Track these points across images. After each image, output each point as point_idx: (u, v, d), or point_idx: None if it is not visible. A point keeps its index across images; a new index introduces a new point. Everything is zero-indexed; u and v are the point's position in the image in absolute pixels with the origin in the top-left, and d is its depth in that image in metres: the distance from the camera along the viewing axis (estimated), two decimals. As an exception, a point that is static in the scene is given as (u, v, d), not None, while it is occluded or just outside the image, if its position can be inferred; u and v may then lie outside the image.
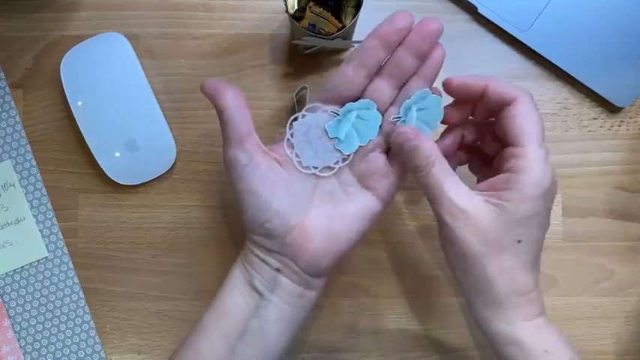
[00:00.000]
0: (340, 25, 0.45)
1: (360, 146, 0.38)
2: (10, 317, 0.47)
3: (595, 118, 0.49)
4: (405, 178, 0.39)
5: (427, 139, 0.35)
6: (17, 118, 0.48)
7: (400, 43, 0.36)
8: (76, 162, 0.48)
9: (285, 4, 0.42)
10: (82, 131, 0.46)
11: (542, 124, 0.35)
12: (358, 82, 0.37)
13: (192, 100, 0.48)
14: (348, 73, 0.37)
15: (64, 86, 0.47)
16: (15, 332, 0.47)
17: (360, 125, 0.38)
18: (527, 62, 0.49)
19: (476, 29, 0.49)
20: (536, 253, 0.35)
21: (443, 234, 0.35)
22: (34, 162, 0.48)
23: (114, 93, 0.47)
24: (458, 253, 0.34)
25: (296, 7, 0.44)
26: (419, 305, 0.48)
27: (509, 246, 0.33)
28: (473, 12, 0.48)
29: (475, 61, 0.49)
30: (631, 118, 0.49)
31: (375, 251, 0.48)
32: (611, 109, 0.48)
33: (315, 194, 0.38)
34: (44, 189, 0.48)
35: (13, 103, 0.48)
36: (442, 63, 0.37)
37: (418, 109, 0.38)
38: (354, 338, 0.48)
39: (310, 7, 0.44)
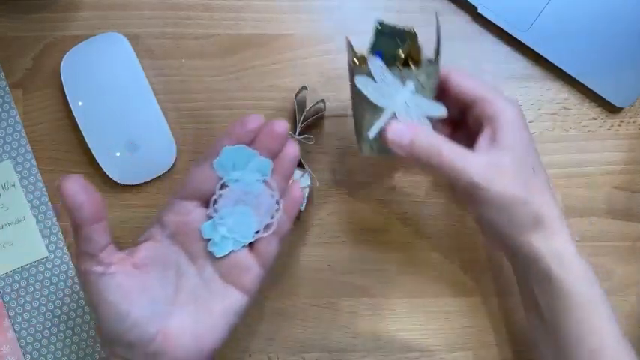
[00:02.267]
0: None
1: (232, 251, 0.38)
2: (10, 317, 0.47)
3: (595, 118, 0.49)
4: (269, 266, 0.39)
5: (419, 129, 0.37)
6: (17, 118, 0.48)
7: (253, 142, 0.38)
8: (76, 162, 0.48)
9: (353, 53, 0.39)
10: (82, 131, 0.46)
11: (479, 79, 0.39)
12: (215, 178, 0.38)
13: (193, 100, 0.48)
14: (205, 171, 0.37)
15: (64, 86, 0.47)
16: (15, 332, 0.47)
17: (237, 228, 0.38)
18: (527, 62, 0.49)
19: (476, 29, 0.49)
20: (549, 178, 0.39)
21: (480, 198, 0.36)
22: (34, 162, 0.48)
23: (114, 93, 0.47)
24: (500, 207, 0.36)
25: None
26: (419, 305, 0.48)
27: (530, 176, 0.37)
28: (473, 12, 0.48)
29: (475, 62, 0.49)
30: (631, 118, 0.49)
31: (375, 251, 0.48)
32: (610, 109, 0.49)
33: (178, 296, 0.37)
34: (44, 189, 0.48)
35: (13, 103, 0.48)
36: (296, 158, 0.39)
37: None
38: (354, 338, 0.48)
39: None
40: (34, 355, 0.47)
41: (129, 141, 0.47)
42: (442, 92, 0.39)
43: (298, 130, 0.46)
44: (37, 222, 0.48)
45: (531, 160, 0.38)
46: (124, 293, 0.34)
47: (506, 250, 0.41)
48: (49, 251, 0.48)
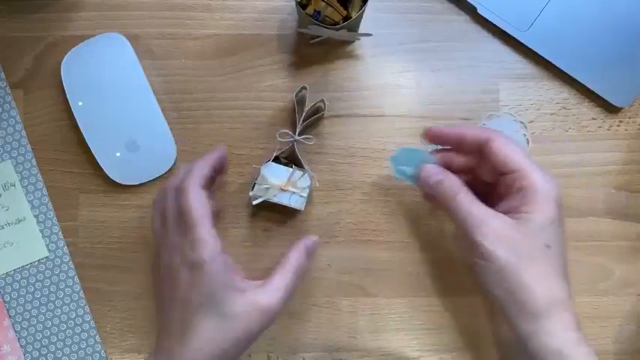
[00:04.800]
0: (345, 13, 0.45)
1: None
2: (10, 317, 0.47)
3: (594, 119, 0.49)
4: None
5: (449, 174, 0.40)
6: (17, 118, 0.48)
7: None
8: (76, 162, 0.48)
9: None
10: (83, 131, 0.46)
11: (522, 147, 0.38)
12: None
13: (192, 100, 0.48)
14: None
15: (65, 86, 0.47)
16: (15, 332, 0.47)
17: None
18: (527, 62, 0.49)
19: (475, 29, 0.49)
20: (565, 260, 0.37)
21: (476, 255, 0.37)
22: (34, 162, 0.48)
23: (114, 93, 0.47)
24: (494, 270, 0.36)
25: None
26: (419, 305, 0.48)
27: (541, 252, 0.36)
28: (472, 12, 0.48)
29: (475, 62, 0.49)
30: (630, 118, 0.49)
31: (375, 251, 0.48)
32: (610, 109, 0.49)
33: None
34: (44, 189, 0.48)
35: (13, 103, 0.48)
36: None
37: None
38: (354, 338, 0.48)
39: None
40: (34, 355, 0.47)
41: (129, 141, 0.47)
42: (480, 155, 0.40)
43: (298, 129, 0.46)
44: (37, 222, 0.48)
45: (547, 237, 0.36)
46: None
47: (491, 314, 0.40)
48: (49, 251, 0.48)
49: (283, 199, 0.45)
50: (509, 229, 0.36)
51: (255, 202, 0.45)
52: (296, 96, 0.47)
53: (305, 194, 0.45)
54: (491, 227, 0.36)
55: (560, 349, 0.35)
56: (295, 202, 0.45)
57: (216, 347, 0.37)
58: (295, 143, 0.46)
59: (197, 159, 0.41)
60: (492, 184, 0.41)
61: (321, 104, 0.46)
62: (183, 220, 0.38)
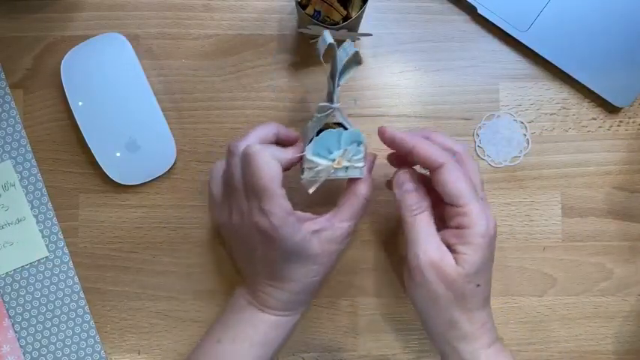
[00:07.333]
0: (345, 13, 0.44)
1: None
2: (10, 317, 0.47)
3: (594, 119, 0.49)
4: None
5: (420, 188, 0.40)
6: (17, 118, 0.48)
7: None
8: (76, 162, 0.48)
9: None
10: (83, 131, 0.46)
11: (474, 178, 0.39)
12: None
13: (192, 100, 0.48)
14: None
15: (65, 86, 0.47)
16: (15, 332, 0.47)
17: None
18: (527, 62, 0.49)
19: (475, 30, 0.49)
20: (490, 290, 0.41)
21: (415, 279, 0.39)
22: (34, 162, 0.48)
23: (114, 93, 0.47)
24: (428, 298, 0.39)
25: None
26: (419, 305, 0.48)
27: (471, 291, 0.38)
28: (472, 12, 0.48)
29: (475, 62, 0.49)
30: (630, 118, 0.49)
31: (374, 251, 0.48)
32: (610, 109, 0.49)
33: None
34: (44, 189, 0.48)
35: (13, 103, 0.48)
36: None
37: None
38: (354, 338, 0.48)
39: None
40: (33, 355, 0.47)
41: (129, 141, 0.47)
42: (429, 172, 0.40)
43: (336, 97, 0.40)
44: (37, 222, 0.48)
45: (479, 278, 0.39)
46: None
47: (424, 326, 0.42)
48: (49, 251, 0.48)
49: (340, 174, 0.41)
50: (448, 268, 0.38)
51: (311, 190, 0.41)
52: (325, 61, 0.39)
53: (361, 165, 0.41)
54: (433, 262, 0.38)
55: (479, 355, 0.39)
56: (353, 172, 0.41)
57: (309, 283, 0.41)
58: (337, 111, 0.41)
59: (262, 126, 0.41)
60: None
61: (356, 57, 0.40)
62: (250, 186, 0.38)
